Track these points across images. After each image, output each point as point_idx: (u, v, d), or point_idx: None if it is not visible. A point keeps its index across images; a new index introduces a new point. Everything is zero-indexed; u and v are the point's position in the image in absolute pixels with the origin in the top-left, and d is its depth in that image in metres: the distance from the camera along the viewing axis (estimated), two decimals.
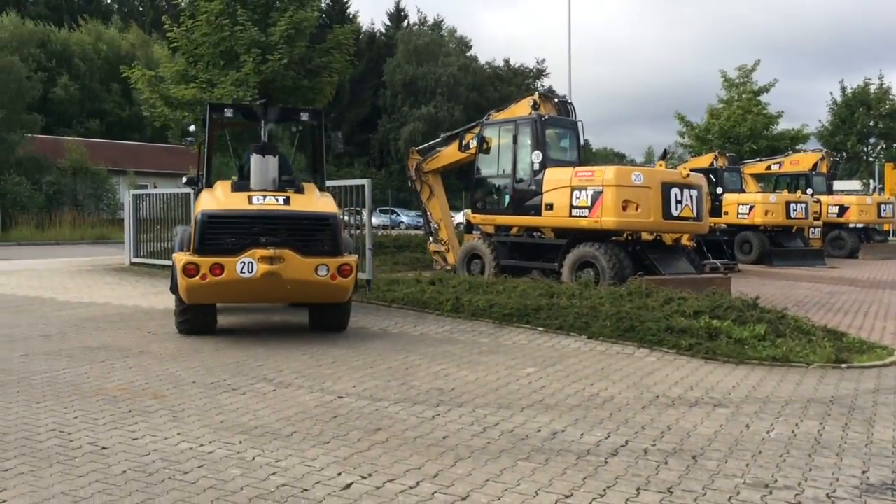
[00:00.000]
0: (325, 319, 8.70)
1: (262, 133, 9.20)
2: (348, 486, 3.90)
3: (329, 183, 13.08)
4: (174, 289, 8.20)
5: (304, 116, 9.79)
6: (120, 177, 36.51)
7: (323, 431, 4.82)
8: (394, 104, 60.60)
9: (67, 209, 31.25)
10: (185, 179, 10.33)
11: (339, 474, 4.06)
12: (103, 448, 4.42)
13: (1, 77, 30.43)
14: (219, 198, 8.38)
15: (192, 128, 12.24)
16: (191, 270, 7.54)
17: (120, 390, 5.79)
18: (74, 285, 12.92)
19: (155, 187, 28.91)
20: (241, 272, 7.53)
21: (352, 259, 8.05)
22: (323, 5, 52.89)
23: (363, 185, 11.98)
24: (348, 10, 62.29)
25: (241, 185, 8.67)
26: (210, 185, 8.90)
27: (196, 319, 8.27)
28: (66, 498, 3.66)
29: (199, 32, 15.53)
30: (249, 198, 8.14)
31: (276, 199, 8.17)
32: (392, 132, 59.22)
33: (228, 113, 9.72)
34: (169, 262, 14.37)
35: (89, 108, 48.23)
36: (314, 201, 8.48)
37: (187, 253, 7.80)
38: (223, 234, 7.78)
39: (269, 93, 15.47)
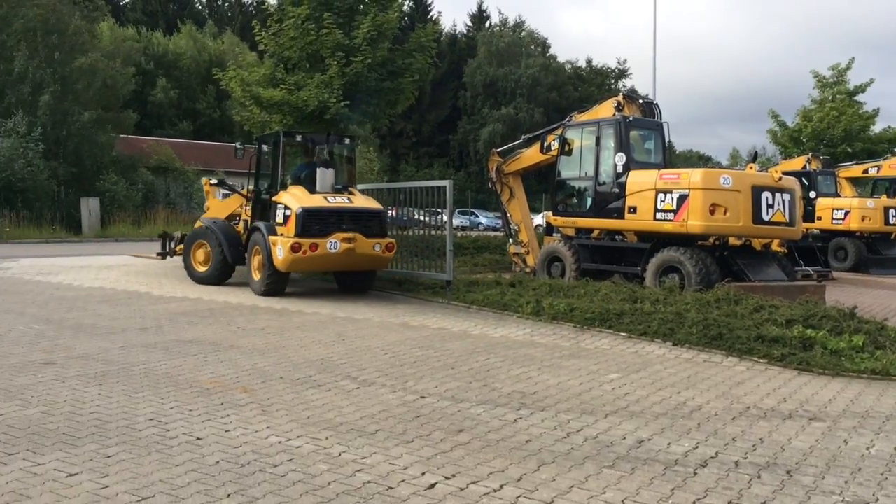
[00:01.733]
0: (357, 283, 12.32)
1: (324, 153, 12.69)
2: (432, 486, 3.93)
3: (409, 184, 13.31)
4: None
5: (346, 142, 13.21)
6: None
7: (406, 430, 4.87)
8: (473, 105, 60.77)
9: (161, 207, 32.54)
10: (214, 181, 13.99)
11: (423, 474, 4.09)
12: (198, 439, 4.58)
13: (88, 78, 31.92)
14: (304, 198, 11.24)
15: (238, 144, 14.00)
16: (295, 247, 10.78)
17: (212, 383, 5.99)
18: (168, 280, 13.45)
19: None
20: (330, 249, 10.99)
21: (392, 239, 11.77)
22: (406, 7, 53.52)
23: (444, 187, 12.05)
24: (431, 12, 62.82)
25: (310, 189, 11.57)
26: (278, 191, 11.75)
27: (278, 284, 11.45)
28: (164, 485, 3.82)
29: (286, 37, 15.92)
30: (326, 198, 11.41)
31: (344, 199, 11.58)
32: (471, 133, 59.39)
33: (298, 138, 12.89)
34: None
35: (185, 108, 50.16)
36: (366, 200, 12.00)
37: (288, 236, 10.87)
38: (315, 223, 10.99)
39: (352, 94, 15.75)
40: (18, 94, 30.26)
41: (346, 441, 4.61)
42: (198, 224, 13.59)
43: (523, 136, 15.94)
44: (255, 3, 67.14)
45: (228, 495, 3.71)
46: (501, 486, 3.94)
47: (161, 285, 12.64)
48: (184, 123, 49.25)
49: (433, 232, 13.31)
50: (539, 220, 25.27)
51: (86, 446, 4.38)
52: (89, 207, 29.46)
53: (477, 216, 44.35)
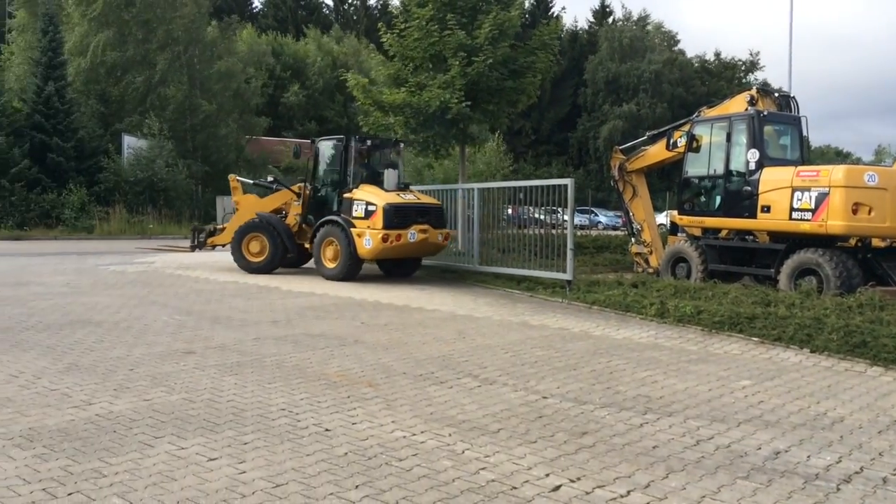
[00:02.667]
0: (404, 269, 14.19)
1: (391, 156, 14.57)
2: (557, 487, 3.88)
3: (528, 183, 13.26)
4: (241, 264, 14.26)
5: (400, 146, 15.03)
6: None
7: (529, 430, 4.84)
8: (594, 102, 59.74)
9: None
10: (270, 178, 16.03)
11: (547, 475, 4.05)
12: (327, 430, 4.73)
13: (225, 82, 33.69)
14: (385, 195, 12.99)
15: (296, 147, 16.35)
16: (385, 238, 12.56)
17: (339, 376, 6.17)
18: (296, 276, 14.00)
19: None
20: (410, 239, 12.85)
21: (449, 230, 13.76)
22: (527, 5, 53.31)
23: (566, 185, 11.91)
24: (552, 9, 62.24)
25: (379, 186, 13.37)
26: (350, 188, 13.41)
27: (355, 270, 13.24)
28: (296, 474, 3.96)
29: (410, 38, 16.20)
30: (399, 195, 13.18)
31: (413, 196, 13.44)
32: (591, 131, 58.41)
33: (368, 143, 14.28)
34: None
35: (312, 114, 52.12)
36: (428, 197, 14.14)
37: (376, 228, 12.58)
38: (398, 217, 12.73)
39: (474, 94, 15.83)
40: (158, 96, 32.38)
41: (469, 438, 4.63)
42: (231, 220, 15.15)
43: (648, 133, 15.53)
44: (379, 6, 68.77)
45: (357, 486, 3.80)
46: (629, 492, 3.84)
47: (289, 281, 13.16)
48: (310, 125, 51.13)
49: (552, 231, 13.18)
50: (662, 219, 24.55)
51: (224, 433, 4.61)
52: (224, 205, 31.06)
53: (596, 215, 43.57)
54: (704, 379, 6.41)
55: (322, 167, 14.50)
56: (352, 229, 12.87)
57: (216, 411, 5.07)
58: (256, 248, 14.21)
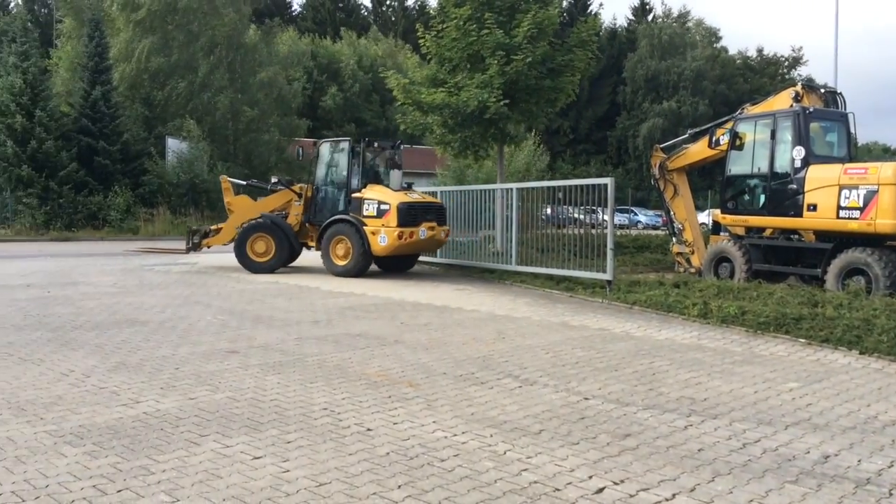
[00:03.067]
0: (402, 265, 14.84)
1: (395, 157, 15.16)
2: (600, 490, 3.85)
3: (567, 182, 13.16)
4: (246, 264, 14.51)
5: (401, 149, 15.56)
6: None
7: (571, 432, 4.80)
8: (633, 100, 59.17)
9: None
10: (275, 179, 15.88)
11: (590, 477, 4.01)
12: (368, 430, 4.75)
13: (266, 90, 34.20)
14: (396, 195, 13.69)
15: (299, 149, 16.63)
16: (400, 235, 13.28)
17: (380, 376, 6.20)
18: (336, 277, 14.10)
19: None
20: (421, 236, 13.59)
21: (448, 227, 14.49)
22: (564, 4, 53.02)
23: (606, 185, 11.80)
24: (590, 7, 61.78)
25: (387, 187, 14.18)
26: (360, 189, 14.01)
27: (366, 266, 13.80)
28: (339, 473, 3.99)
29: (448, 38, 16.21)
30: (406, 194, 13.89)
31: (419, 196, 14.22)
32: (631, 129, 57.87)
33: (375, 144, 15.00)
34: (420, 257, 15.37)
35: (350, 116, 52.54)
36: (430, 197, 14.90)
37: (391, 226, 13.29)
38: (410, 215, 13.47)
39: (512, 93, 15.78)
40: (200, 101, 32.93)
41: (511, 439, 4.61)
42: (227, 221, 15.15)
43: (689, 131, 15.32)
44: (417, 7, 68.94)
45: (399, 486, 3.81)
46: (674, 496, 3.79)
47: (329, 281, 13.27)
48: (349, 127, 51.52)
49: (591, 230, 13.08)
50: (704, 218, 24.18)
51: (268, 431, 4.66)
52: None
53: (636, 214, 43.16)
54: (750, 381, 6.29)
55: (325, 168, 14.97)
56: (364, 228, 13.52)
57: (260, 410, 5.13)
58: (262, 248, 14.44)
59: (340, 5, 69.45)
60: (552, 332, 8.51)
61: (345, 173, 14.38)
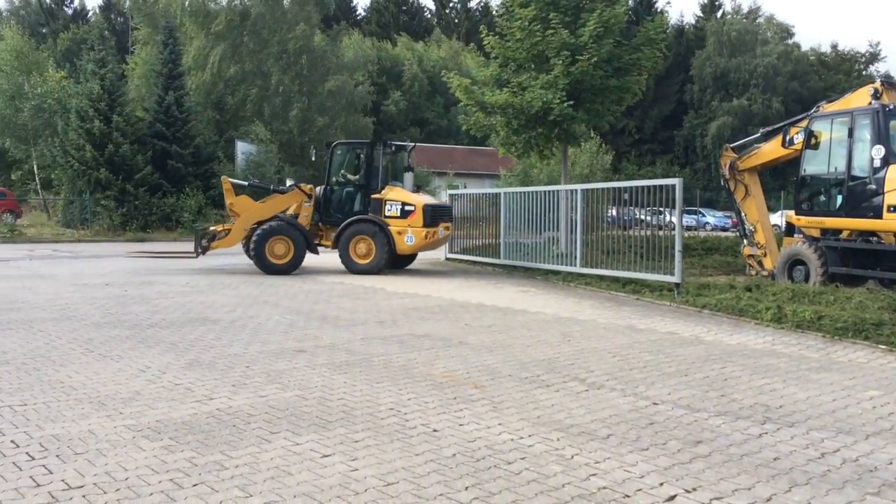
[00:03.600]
0: (403, 262, 15.73)
1: (408, 160, 16.25)
2: (672, 497, 3.77)
3: (633, 183, 12.95)
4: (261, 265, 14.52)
5: (413, 152, 16.96)
6: (438, 178, 39.59)
7: (640, 437, 4.72)
8: (701, 99, 57.93)
9: None
10: (290, 182, 16.26)
11: (661, 484, 3.93)
12: (434, 430, 4.76)
13: (335, 98, 34.82)
14: (418, 196, 15.05)
15: (313, 149, 17.42)
16: (426, 235, 14.48)
17: (445, 377, 6.21)
18: (399, 277, 14.22)
19: (465, 187, 30.85)
20: (440, 235, 14.91)
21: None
22: (631, 2, 52.24)
23: (674, 185, 11.57)
24: (656, 4, 60.74)
25: (405, 189, 15.15)
26: (379, 190, 14.88)
27: (388, 264, 14.70)
28: (406, 473, 4.01)
29: (513, 39, 16.16)
30: (422, 196, 15.50)
31: (435, 198, 15.76)
32: (698, 128, 56.68)
33: (391, 148, 15.92)
34: (483, 258, 15.39)
35: (412, 118, 52.95)
36: (438, 198, 17.15)
37: (418, 226, 14.41)
38: (432, 216, 14.57)
39: (577, 93, 15.63)
40: (272, 107, 33.67)
41: (578, 444, 4.56)
42: (236, 223, 14.96)
43: (761, 130, 14.89)
44: (480, 8, 68.95)
45: (466, 488, 3.81)
46: None
47: (393, 282, 13.38)
48: (414, 130, 51.91)
49: (658, 232, 12.84)
50: (776, 219, 23.49)
51: (336, 430, 4.72)
52: None
53: (704, 215, 42.21)
54: (827, 388, 6.07)
55: (340, 169, 15.45)
56: (393, 227, 14.47)
57: (328, 409, 5.20)
58: (281, 250, 14.46)
59: (404, 8, 70.03)
60: (618, 336, 8.39)
61: (363, 174, 15.03)
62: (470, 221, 17.36)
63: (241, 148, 32.17)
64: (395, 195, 14.75)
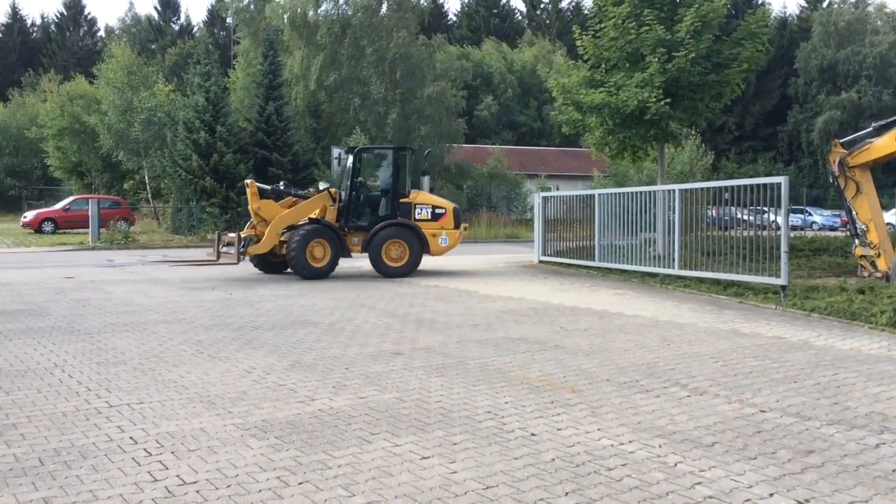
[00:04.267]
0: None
1: (427, 164, 17.87)
2: None
3: (735, 182, 12.51)
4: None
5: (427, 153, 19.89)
6: (529, 180, 39.42)
7: (747, 446, 4.56)
8: (807, 93, 55.39)
9: (484, 210, 34.60)
10: (323, 185, 15.65)
11: (772, 495, 3.78)
12: (532, 434, 4.74)
13: (434, 106, 35.26)
14: (444, 201, 15.89)
15: (337, 150, 16.88)
16: (457, 237, 15.39)
17: (541, 381, 6.18)
18: (493, 280, 14.23)
19: (557, 189, 30.63)
20: (461, 234, 15.68)
21: None
22: None
23: (779, 184, 11.11)
24: None
25: (422, 191, 16.17)
26: (406, 194, 15.27)
27: (419, 265, 15.12)
28: (505, 476, 4.01)
29: (606, 37, 15.92)
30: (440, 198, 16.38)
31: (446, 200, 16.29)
32: (804, 123, 54.23)
33: (411, 152, 16.42)
34: (576, 261, 15.21)
35: (505, 121, 52.92)
36: None
37: (450, 229, 15.27)
38: (459, 219, 15.63)
39: (674, 91, 15.25)
40: (373, 114, 34.38)
41: (682, 451, 4.44)
42: (272, 230, 14.43)
43: (874, 124, 14.10)
44: (571, 8, 68.26)
45: (566, 493, 3.77)
46: None
47: (487, 284, 13.40)
48: (506, 133, 51.87)
49: (761, 232, 12.36)
50: (890, 217, 22.21)
51: (434, 432, 4.77)
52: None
53: (810, 214, 40.35)
54: None
55: (364, 175, 15.74)
56: (428, 230, 15.00)
57: (425, 411, 5.26)
58: (320, 253, 14.36)
59: (494, 11, 70.06)
60: (721, 340, 8.12)
61: (390, 179, 15.24)
62: (563, 223, 17.18)
63: (337, 154, 32.94)
64: (424, 199, 15.42)
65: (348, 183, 15.34)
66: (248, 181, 15.60)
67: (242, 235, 14.88)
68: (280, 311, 10.10)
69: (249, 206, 15.10)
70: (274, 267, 15.36)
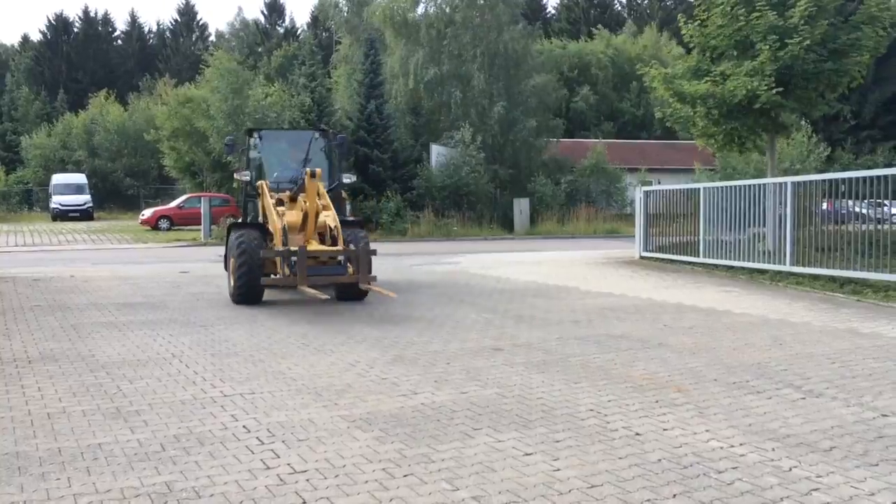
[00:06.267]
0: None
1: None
2: None
3: (853, 174, 11.81)
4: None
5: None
6: (630, 174, 38.59)
7: (867, 451, 4.32)
8: None
9: (583, 205, 34.12)
10: (350, 179, 12.66)
11: (894, 503, 3.58)
12: (637, 434, 4.65)
13: (538, 96, 35.03)
14: None
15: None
16: None
17: (645, 379, 6.05)
18: (593, 276, 14.03)
19: (659, 183, 29.80)
20: None
21: None
22: None
23: None
24: None
25: None
26: None
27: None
28: (610, 476, 3.95)
29: (713, 25, 15.39)
30: None
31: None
32: None
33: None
34: (680, 257, 14.72)
35: (604, 112, 51.96)
36: None
37: None
38: None
39: (787, 79, 14.59)
40: (476, 108, 34.52)
41: (796, 455, 4.26)
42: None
43: None
44: None
45: (674, 496, 3.68)
46: None
47: (587, 280, 13.22)
48: (607, 125, 50.92)
49: (881, 226, 11.67)
50: None
51: (536, 429, 4.75)
52: (521, 207, 32.18)
53: None
54: None
55: None
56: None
57: (527, 407, 5.25)
58: None
59: (595, 2, 68.93)
60: (837, 340, 7.72)
61: None
62: (665, 218, 16.73)
63: (437, 151, 33.25)
64: None
65: None
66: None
67: None
68: (379, 305, 10.29)
69: None
70: None
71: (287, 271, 9.65)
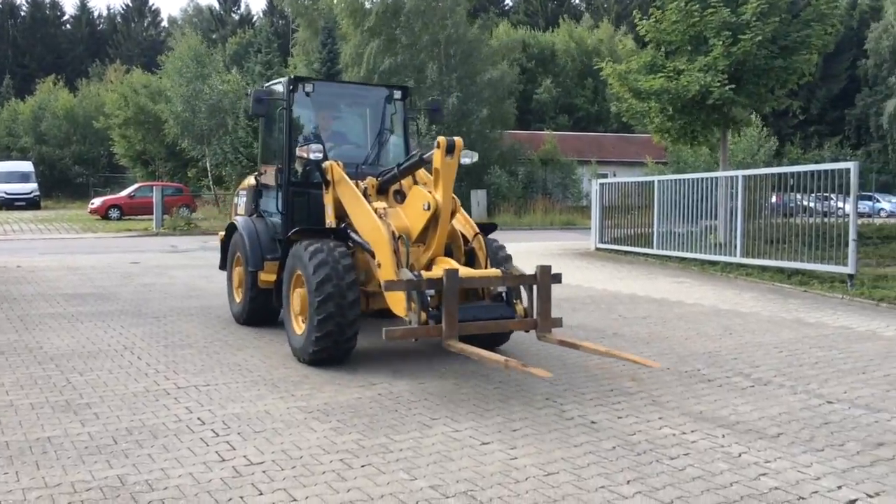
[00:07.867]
0: None
1: None
2: (852, 501, 3.55)
3: (802, 168, 12.15)
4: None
5: None
6: (584, 167, 38.97)
7: (814, 437, 4.46)
8: (877, 75, 53.26)
9: (539, 197, 34.35)
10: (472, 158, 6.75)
11: (840, 487, 3.70)
12: (592, 422, 4.72)
13: (491, 88, 35.10)
14: None
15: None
16: None
17: (600, 369, 6.14)
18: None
19: (615, 175, 30.21)
20: None
21: None
22: None
23: (847, 169, 10.77)
24: None
25: None
26: None
27: None
28: (565, 463, 4.01)
29: (667, 22, 15.61)
30: None
31: None
32: (873, 107, 52.20)
33: None
34: (634, 248, 14.93)
35: (562, 104, 52.30)
36: None
37: None
38: None
39: (738, 75, 14.88)
40: (429, 100, 34.50)
41: (746, 441, 4.37)
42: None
43: None
44: None
45: (628, 482, 3.76)
46: None
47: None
48: (562, 118, 51.28)
49: (828, 219, 11.99)
50: None
51: (493, 418, 4.79)
52: (478, 199, 32.25)
53: (878, 201, 38.91)
54: None
55: None
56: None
57: (484, 397, 5.29)
58: None
59: None
60: (785, 330, 7.94)
61: None
62: (620, 210, 16.96)
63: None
64: None
65: None
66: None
67: None
68: None
69: None
70: None
71: (421, 314, 5.44)
